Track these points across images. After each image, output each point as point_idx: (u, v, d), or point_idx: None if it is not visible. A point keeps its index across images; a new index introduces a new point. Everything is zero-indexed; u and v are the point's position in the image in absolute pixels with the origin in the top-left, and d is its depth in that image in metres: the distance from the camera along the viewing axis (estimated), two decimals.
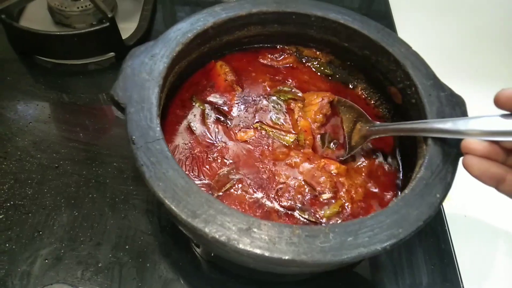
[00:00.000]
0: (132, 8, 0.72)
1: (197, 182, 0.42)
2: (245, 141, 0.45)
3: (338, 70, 0.53)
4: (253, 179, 0.42)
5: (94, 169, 0.52)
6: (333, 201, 0.41)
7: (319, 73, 0.53)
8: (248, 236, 0.32)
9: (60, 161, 0.53)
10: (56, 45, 0.61)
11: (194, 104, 0.48)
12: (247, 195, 0.41)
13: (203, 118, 0.46)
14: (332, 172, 0.43)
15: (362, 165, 0.45)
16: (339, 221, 0.40)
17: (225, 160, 0.43)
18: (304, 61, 0.54)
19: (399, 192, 0.43)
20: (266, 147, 0.45)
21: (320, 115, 0.47)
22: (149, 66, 0.42)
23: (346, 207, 0.41)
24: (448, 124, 0.36)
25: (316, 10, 0.49)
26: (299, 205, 0.41)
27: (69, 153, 0.54)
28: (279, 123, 0.47)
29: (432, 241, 0.50)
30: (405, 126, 0.42)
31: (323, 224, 0.40)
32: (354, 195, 0.42)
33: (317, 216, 0.40)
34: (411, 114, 0.45)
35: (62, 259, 0.45)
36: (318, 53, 0.53)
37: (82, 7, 0.66)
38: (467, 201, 0.54)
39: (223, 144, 0.44)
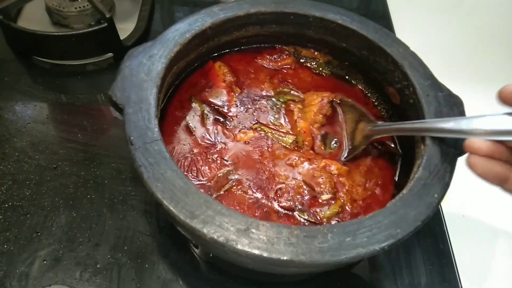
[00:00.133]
0: (130, 9, 0.72)
1: (196, 182, 0.42)
2: (245, 142, 0.45)
3: (336, 71, 0.53)
4: (252, 179, 0.42)
5: (92, 170, 0.52)
6: (333, 202, 0.41)
7: (317, 72, 0.53)
8: (246, 237, 0.32)
9: (58, 162, 0.53)
10: (54, 45, 0.61)
11: (193, 104, 0.48)
12: (247, 196, 0.41)
13: (202, 118, 0.46)
14: (333, 172, 0.43)
15: (362, 165, 0.45)
16: (340, 221, 0.40)
17: (224, 161, 0.43)
18: (302, 61, 0.54)
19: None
20: (266, 148, 0.45)
21: (320, 116, 0.47)
22: (147, 67, 0.42)
23: (346, 208, 0.41)
24: (451, 124, 0.36)
25: (315, 10, 0.49)
26: (299, 206, 0.41)
27: (67, 154, 0.53)
28: (277, 124, 0.47)
29: (430, 241, 0.50)
30: (408, 126, 0.42)
31: (323, 225, 0.40)
32: (354, 196, 0.42)
33: (318, 217, 0.40)
34: (409, 114, 0.45)
35: (61, 260, 0.45)
36: (316, 53, 0.54)
37: (80, 7, 0.65)
38: (465, 201, 0.54)
39: (222, 145, 0.44)
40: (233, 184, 0.42)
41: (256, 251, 0.32)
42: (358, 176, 0.44)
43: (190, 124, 0.46)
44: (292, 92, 0.49)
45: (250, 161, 0.44)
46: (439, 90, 0.43)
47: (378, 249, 0.33)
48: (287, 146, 0.45)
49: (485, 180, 0.34)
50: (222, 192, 0.41)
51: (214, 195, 0.41)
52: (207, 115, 0.47)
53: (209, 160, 0.43)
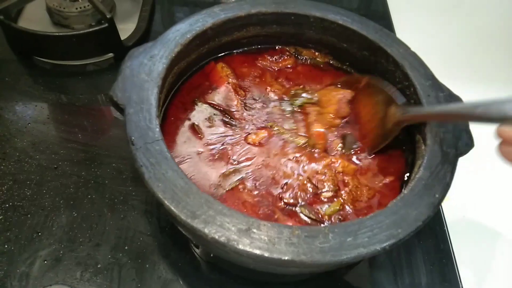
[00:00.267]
0: (130, 9, 0.72)
1: (202, 182, 0.41)
2: (255, 143, 0.45)
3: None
4: (257, 177, 0.42)
5: (93, 170, 0.52)
6: (335, 199, 0.41)
7: (321, 66, 0.52)
8: (247, 237, 0.32)
9: (59, 162, 0.53)
10: (54, 46, 0.61)
11: (197, 106, 0.47)
12: (252, 192, 0.41)
13: (208, 120, 0.46)
14: (337, 170, 0.43)
15: (370, 168, 0.44)
16: (341, 218, 0.40)
17: (232, 160, 0.43)
18: (303, 61, 0.54)
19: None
20: (274, 148, 0.44)
21: (338, 120, 0.46)
22: (148, 67, 0.42)
23: (347, 206, 0.41)
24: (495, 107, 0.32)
25: (315, 10, 0.49)
26: (302, 202, 0.41)
27: (68, 154, 0.53)
28: (289, 127, 0.46)
29: (431, 241, 0.50)
30: (446, 110, 0.38)
31: (324, 222, 0.40)
32: (356, 195, 0.42)
33: (319, 215, 0.40)
34: None
35: (61, 260, 0.45)
36: (316, 53, 0.54)
37: (80, 7, 0.65)
38: (466, 202, 0.54)
39: (229, 146, 0.44)
40: (239, 182, 0.41)
41: (257, 251, 0.32)
42: (364, 175, 0.44)
43: (196, 125, 0.45)
44: (303, 94, 0.49)
45: (255, 159, 0.43)
46: (440, 91, 0.43)
47: (379, 249, 0.33)
48: (297, 145, 0.45)
49: None
50: (227, 190, 0.41)
51: (220, 193, 0.41)
52: (213, 116, 0.46)
53: (215, 159, 0.43)
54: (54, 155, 0.53)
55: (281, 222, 0.39)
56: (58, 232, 0.47)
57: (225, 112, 0.47)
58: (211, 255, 0.45)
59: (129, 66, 0.42)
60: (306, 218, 0.40)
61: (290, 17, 0.50)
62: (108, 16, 0.60)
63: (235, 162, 0.43)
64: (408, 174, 0.43)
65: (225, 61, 0.51)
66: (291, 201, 0.41)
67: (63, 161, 0.53)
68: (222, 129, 0.46)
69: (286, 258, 0.32)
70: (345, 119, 0.47)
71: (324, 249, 0.32)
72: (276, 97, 0.49)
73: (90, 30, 0.61)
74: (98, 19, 0.66)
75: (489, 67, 0.72)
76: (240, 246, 0.32)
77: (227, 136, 0.45)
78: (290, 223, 0.39)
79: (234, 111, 0.47)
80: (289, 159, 0.44)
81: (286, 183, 0.42)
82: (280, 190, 0.41)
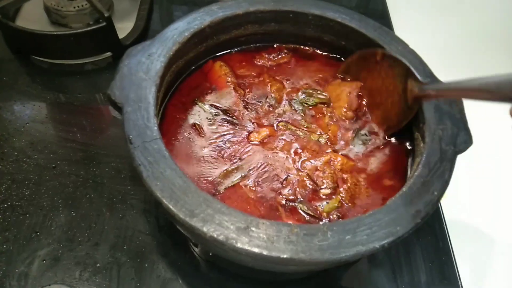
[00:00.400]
0: (128, 8, 0.72)
1: (204, 179, 0.41)
2: (253, 140, 0.44)
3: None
4: (259, 174, 0.42)
5: (91, 169, 0.52)
6: (333, 196, 0.41)
7: (320, 59, 0.52)
8: (246, 235, 0.32)
9: (57, 162, 0.52)
10: (52, 45, 0.61)
11: (196, 105, 0.47)
12: (253, 189, 0.41)
13: (208, 118, 0.46)
14: (336, 167, 0.43)
15: (368, 160, 0.44)
16: (340, 216, 0.40)
17: (234, 158, 0.43)
18: (301, 58, 0.53)
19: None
20: (275, 145, 0.44)
21: (350, 112, 0.47)
22: (146, 66, 0.42)
23: (345, 203, 0.41)
24: None
25: (314, 8, 0.49)
26: (301, 199, 0.41)
27: (66, 154, 0.53)
28: (304, 125, 0.46)
29: (430, 238, 0.50)
30: (467, 86, 0.34)
31: (322, 219, 0.40)
32: (355, 192, 0.42)
33: (318, 211, 0.40)
34: None
35: (60, 259, 0.45)
36: (315, 51, 0.53)
37: (78, 6, 0.65)
38: (465, 199, 0.54)
39: (229, 144, 0.44)
40: (239, 179, 0.41)
41: (256, 249, 0.32)
42: (362, 172, 0.43)
43: (197, 124, 0.45)
44: (312, 93, 0.49)
45: (259, 158, 0.43)
46: None
47: (378, 246, 0.33)
48: (305, 142, 0.44)
49: None
50: (229, 187, 0.41)
51: (221, 189, 0.40)
52: (214, 116, 0.46)
53: (217, 158, 0.43)
54: (53, 154, 0.53)
55: (283, 218, 0.39)
56: (57, 231, 0.47)
57: (226, 111, 0.47)
58: (210, 254, 0.45)
59: (127, 65, 0.42)
60: (304, 215, 0.40)
61: (288, 15, 0.50)
62: (106, 15, 0.60)
63: (237, 160, 0.43)
64: (407, 172, 0.43)
65: (223, 59, 0.51)
66: (291, 197, 0.41)
67: (62, 161, 0.53)
68: (223, 128, 0.45)
69: (285, 256, 0.32)
70: (357, 111, 0.47)
71: (322, 247, 0.32)
72: (275, 95, 0.49)
73: (88, 29, 0.60)
74: (96, 18, 0.66)
75: (488, 66, 0.72)
76: (239, 245, 0.32)
77: (228, 134, 0.45)
78: (291, 220, 0.39)
79: (234, 110, 0.47)
80: (290, 156, 0.44)
81: (285, 179, 0.42)
82: (280, 185, 0.41)
